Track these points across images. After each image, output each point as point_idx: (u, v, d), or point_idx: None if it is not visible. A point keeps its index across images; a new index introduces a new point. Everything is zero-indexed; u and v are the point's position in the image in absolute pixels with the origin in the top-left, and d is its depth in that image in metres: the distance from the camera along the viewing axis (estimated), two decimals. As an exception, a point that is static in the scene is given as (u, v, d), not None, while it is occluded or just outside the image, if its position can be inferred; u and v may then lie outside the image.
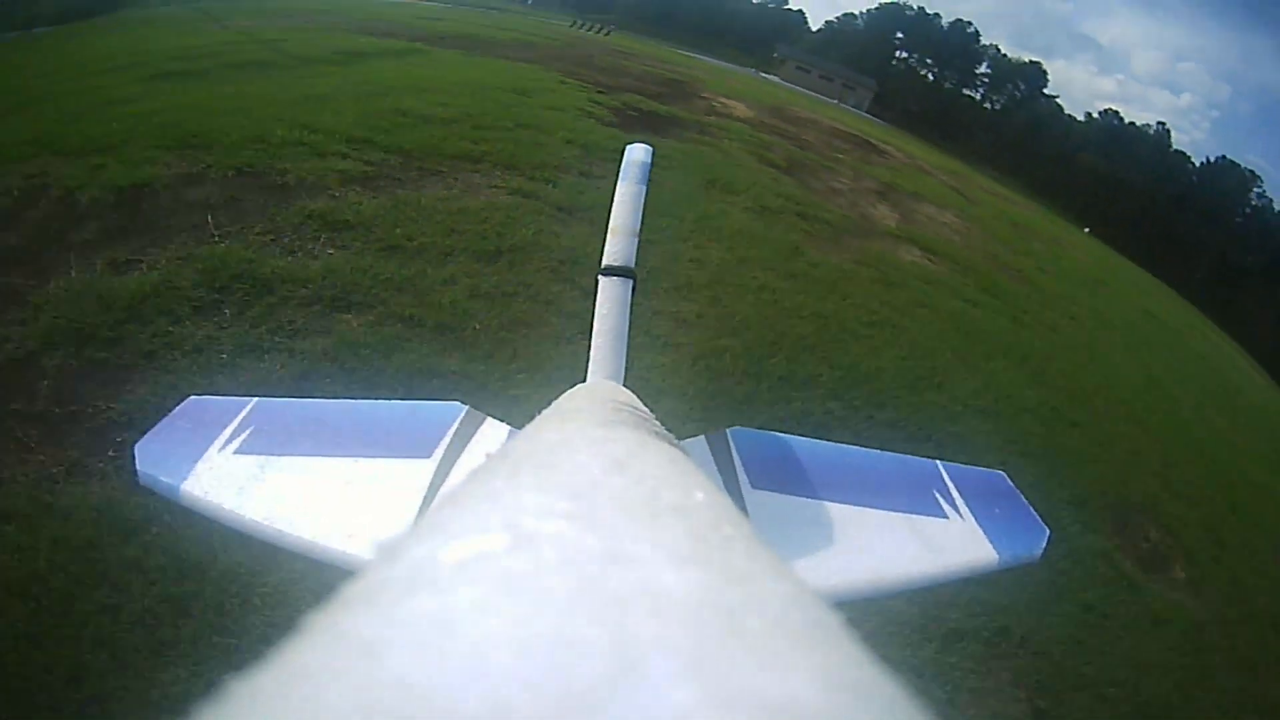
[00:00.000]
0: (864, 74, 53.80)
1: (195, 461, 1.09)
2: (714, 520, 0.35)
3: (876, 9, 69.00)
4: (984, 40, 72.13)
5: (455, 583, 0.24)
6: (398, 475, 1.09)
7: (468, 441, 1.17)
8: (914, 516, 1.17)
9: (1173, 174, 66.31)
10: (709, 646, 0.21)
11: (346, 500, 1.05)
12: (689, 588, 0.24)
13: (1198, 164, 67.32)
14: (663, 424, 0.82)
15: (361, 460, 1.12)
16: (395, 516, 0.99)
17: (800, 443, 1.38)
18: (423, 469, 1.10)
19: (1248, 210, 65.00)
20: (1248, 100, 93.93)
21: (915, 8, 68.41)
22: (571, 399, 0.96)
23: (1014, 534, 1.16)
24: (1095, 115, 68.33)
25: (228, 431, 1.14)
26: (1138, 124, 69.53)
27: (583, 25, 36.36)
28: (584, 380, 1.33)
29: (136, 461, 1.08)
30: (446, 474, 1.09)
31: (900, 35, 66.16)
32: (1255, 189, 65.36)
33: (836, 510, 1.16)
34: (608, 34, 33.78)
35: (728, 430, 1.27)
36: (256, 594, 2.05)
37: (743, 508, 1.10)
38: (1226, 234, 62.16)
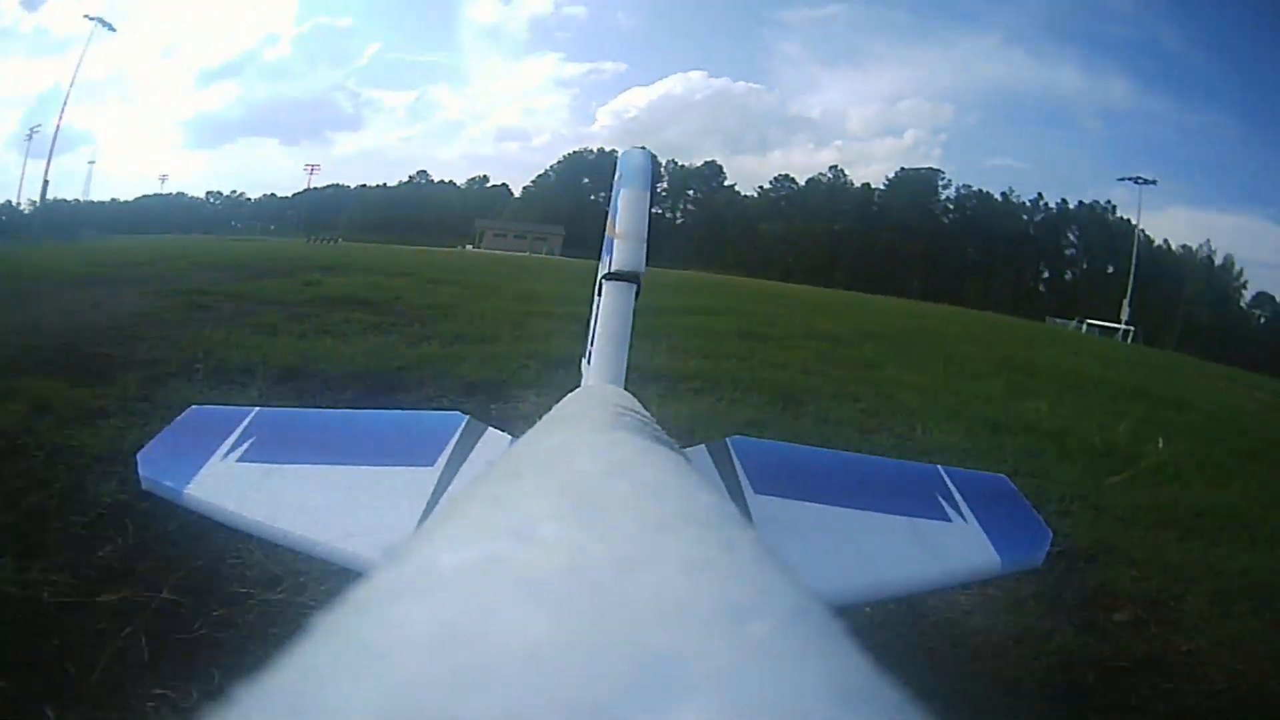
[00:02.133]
0: (558, 223, 62.15)
1: (198, 469, 1.12)
2: (718, 525, 0.36)
3: (561, 161, 78.73)
4: (693, 157, 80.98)
5: (461, 588, 0.24)
6: (402, 482, 1.13)
7: (470, 451, 1.23)
8: (918, 520, 1.23)
9: (858, 207, 74.74)
10: (715, 653, 0.21)
11: (352, 506, 1.09)
12: (694, 593, 0.25)
13: (882, 188, 75.79)
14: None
15: (364, 468, 1.16)
16: (401, 522, 1.04)
17: (801, 450, 1.49)
18: (426, 476, 1.15)
19: (950, 206, 72.92)
20: (973, 110, 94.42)
21: (595, 150, 78.18)
22: (574, 403, 1.03)
23: (1017, 538, 1.22)
24: (766, 187, 77.62)
25: (230, 440, 1.19)
26: (803, 178, 78.10)
27: (317, 239, 44.52)
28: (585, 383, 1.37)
29: (139, 468, 1.12)
30: (449, 481, 1.14)
31: (586, 179, 75.38)
32: (941, 182, 73.65)
33: (840, 514, 1.21)
34: (335, 243, 41.92)
35: (728, 440, 1.35)
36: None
37: (746, 513, 1.14)
38: (929, 236, 69.92)
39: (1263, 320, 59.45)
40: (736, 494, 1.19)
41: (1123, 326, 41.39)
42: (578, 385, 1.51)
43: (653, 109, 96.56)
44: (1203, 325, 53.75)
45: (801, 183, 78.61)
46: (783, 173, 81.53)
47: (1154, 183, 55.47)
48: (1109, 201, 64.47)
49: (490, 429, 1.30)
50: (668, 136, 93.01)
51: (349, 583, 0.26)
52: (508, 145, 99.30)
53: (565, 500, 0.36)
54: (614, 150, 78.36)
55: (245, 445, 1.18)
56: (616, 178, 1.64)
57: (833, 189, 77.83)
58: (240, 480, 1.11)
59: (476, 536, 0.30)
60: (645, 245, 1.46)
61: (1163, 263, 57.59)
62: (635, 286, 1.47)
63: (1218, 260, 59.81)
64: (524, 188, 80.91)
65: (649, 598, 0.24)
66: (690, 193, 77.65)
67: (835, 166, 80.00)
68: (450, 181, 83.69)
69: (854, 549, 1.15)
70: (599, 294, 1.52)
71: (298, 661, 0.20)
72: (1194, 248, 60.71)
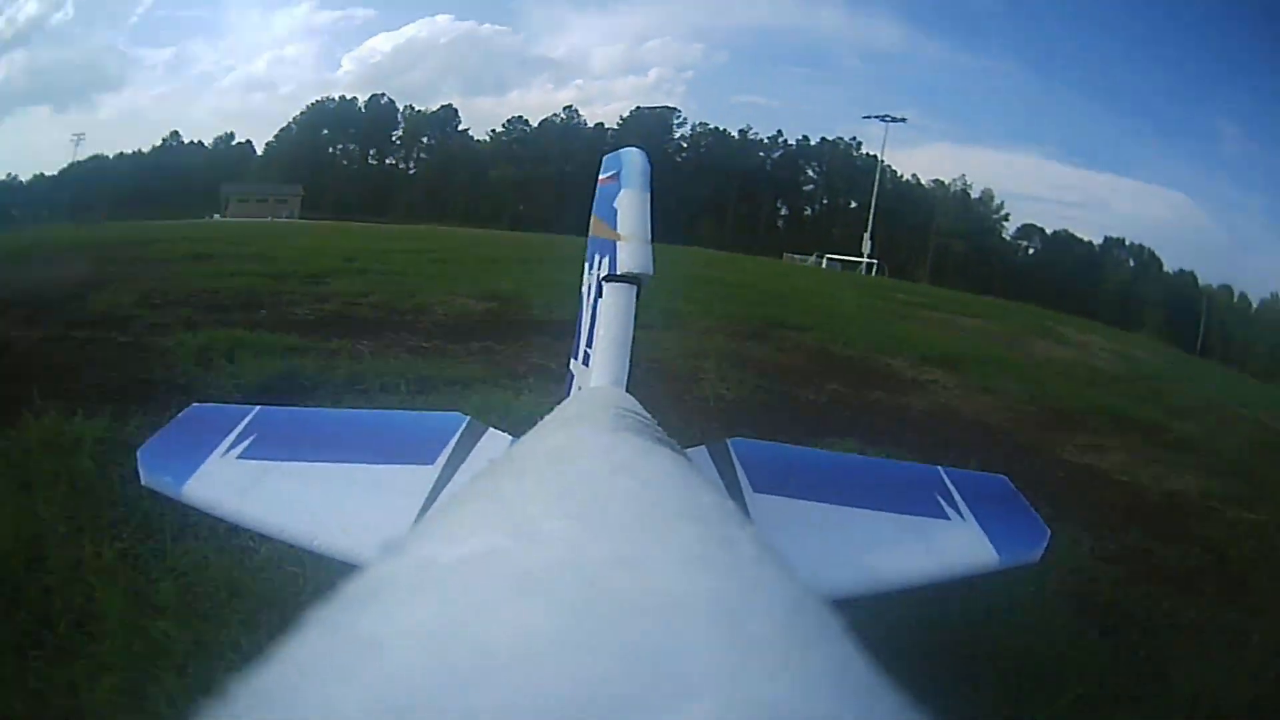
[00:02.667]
0: (298, 181, 62.13)
1: (198, 465, 1.15)
2: (718, 523, 0.38)
3: (303, 112, 74.27)
4: (431, 102, 74.42)
5: (461, 582, 0.25)
6: (400, 480, 1.15)
7: (470, 450, 1.26)
8: (917, 518, 1.27)
9: (589, 148, 76.49)
10: (713, 650, 0.21)
11: (349, 503, 1.11)
12: (693, 591, 0.26)
13: (615, 127, 72.61)
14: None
15: (364, 466, 1.19)
16: (397, 519, 1.05)
17: (801, 451, 1.57)
18: (424, 475, 1.18)
19: (683, 145, 69.18)
20: (723, 49, 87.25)
21: (337, 99, 76.47)
22: (575, 404, 1.08)
23: (1015, 535, 1.27)
24: (499, 130, 77.27)
25: (231, 437, 1.21)
26: (537, 120, 73.39)
27: (84, 222, 46.36)
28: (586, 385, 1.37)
29: (140, 465, 1.15)
30: (448, 480, 1.17)
31: (326, 131, 72.20)
32: (676, 120, 68.83)
33: (839, 512, 1.25)
34: (102, 221, 44.11)
35: (728, 441, 1.40)
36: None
37: (745, 511, 1.16)
38: (660, 175, 70.01)
39: (1030, 252, 57.64)
40: (736, 493, 1.23)
41: (865, 260, 42.06)
42: (564, 383, 1.61)
43: (397, 53, 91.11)
44: (958, 257, 53.84)
45: (535, 125, 74.28)
46: (517, 114, 77.26)
47: (903, 120, 52.81)
48: (854, 138, 60.09)
49: (491, 429, 1.34)
50: (409, 80, 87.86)
51: (346, 577, 0.26)
52: (255, 97, 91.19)
53: (566, 498, 0.37)
54: (354, 98, 77.16)
55: (246, 443, 1.22)
56: (605, 175, 1.71)
57: (566, 130, 73.51)
58: (240, 477, 1.14)
59: (477, 533, 0.31)
60: (650, 246, 1.48)
61: (910, 197, 56.01)
62: (636, 288, 1.47)
63: (974, 194, 58.00)
64: (266, 144, 77.06)
65: (648, 595, 0.24)
66: (424, 140, 76.89)
67: (570, 107, 73.83)
68: (199, 142, 77.70)
69: (852, 546, 1.20)
70: (599, 294, 1.51)
71: (295, 655, 0.21)
72: (947, 181, 58.73)
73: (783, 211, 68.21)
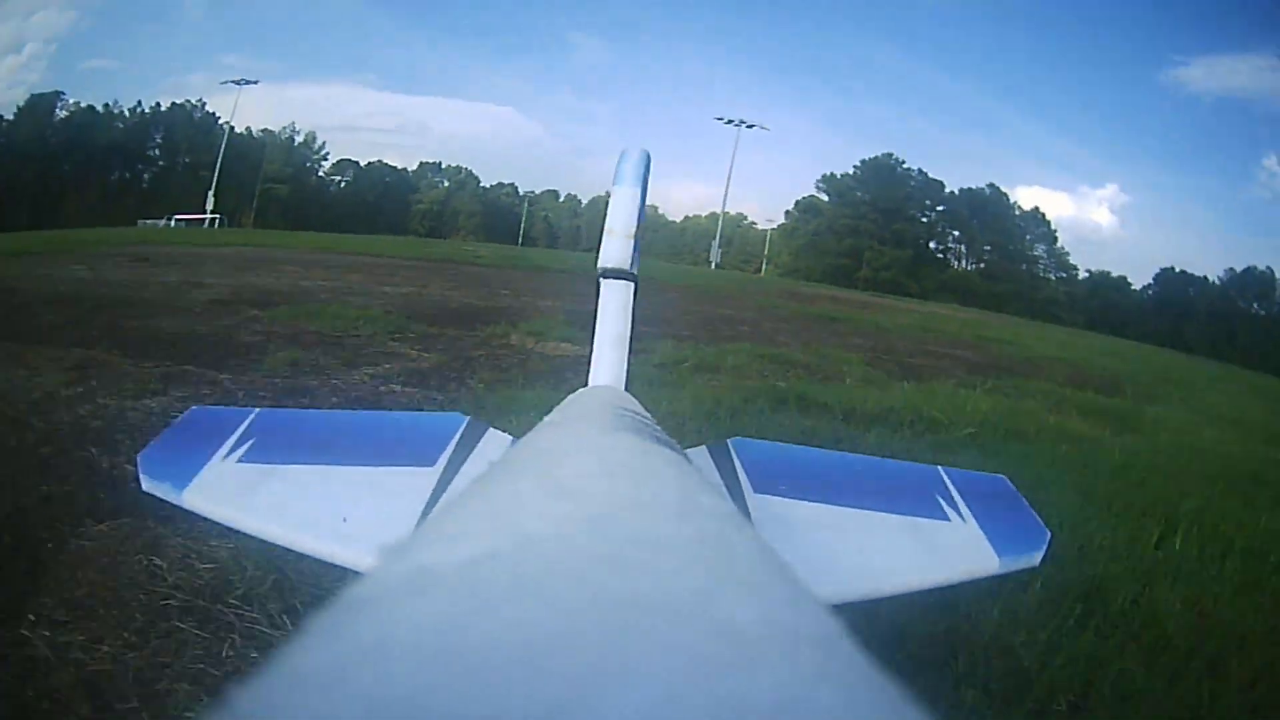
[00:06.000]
0: None
1: (198, 470, 1.13)
2: (715, 524, 0.37)
3: None
4: None
5: (457, 586, 0.25)
6: (401, 483, 1.14)
7: (470, 451, 1.24)
8: (916, 519, 1.24)
9: None
10: (708, 651, 0.21)
11: (351, 507, 1.09)
12: (692, 593, 0.25)
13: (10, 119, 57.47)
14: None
15: (365, 469, 1.17)
16: (399, 522, 1.03)
17: (802, 451, 1.53)
18: (426, 477, 1.15)
19: (61, 128, 58.84)
20: (91, 14, 75.99)
21: None
22: (574, 405, 1.05)
23: (1015, 537, 1.24)
24: None
25: (230, 441, 1.20)
26: None
27: None
28: (585, 385, 1.36)
29: (140, 470, 1.12)
30: (449, 481, 1.15)
31: None
32: (60, 105, 58.98)
33: (839, 513, 1.22)
34: None
35: (729, 440, 1.37)
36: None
37: (746, 511, 1.13)
38: (42, 162, 56.25)
39: (343, 185, 62.36)
40: (736, 493, 1.21)
41: (209, 216, 44.06)
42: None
43: None
44: (281, 200, 56.86)
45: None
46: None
47: (255, 83, 53.80)
48: (200, 100, 59.02)
49: (491, 429, 1.33)
50: None
51: (346, 583, 0.26)
52: None
53: (565, 500, 0.36)
54: None
55: (245, 446, 1.21)
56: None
57: None
58: (240, 482, 1.13)
59: (476, 536, 0.31)
60: (635, 242, 1.45)
61: (245, 150, 56.83)
62: (633, 285, 1.44)
63: (299, 138, 61.16)
64: None
65: (648, 597, 0.24)
66: None
67: None
68: None
69: (852, 548, 1.17)
70: (597, 291, 1.49)
71: (293, 661, 0.21)
72: (276, 130, 60.63)
73: (145, 180, 59.82)
